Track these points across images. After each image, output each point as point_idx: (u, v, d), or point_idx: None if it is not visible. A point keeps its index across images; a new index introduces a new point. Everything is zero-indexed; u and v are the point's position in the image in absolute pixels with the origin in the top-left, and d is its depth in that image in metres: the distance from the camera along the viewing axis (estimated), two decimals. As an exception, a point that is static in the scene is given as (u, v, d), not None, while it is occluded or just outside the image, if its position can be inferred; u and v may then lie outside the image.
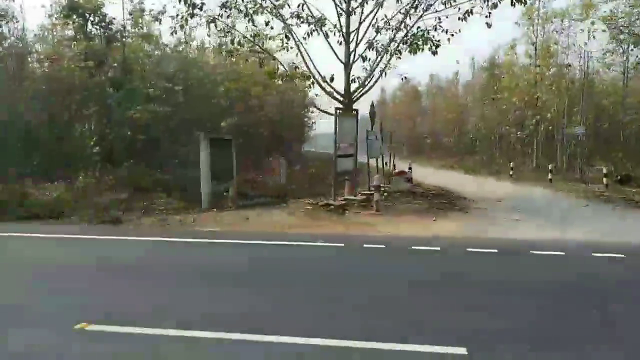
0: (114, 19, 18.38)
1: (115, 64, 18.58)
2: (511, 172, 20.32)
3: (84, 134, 17.75)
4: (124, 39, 18.94)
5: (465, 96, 34.37)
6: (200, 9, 11.58)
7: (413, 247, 7.36)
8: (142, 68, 19.94)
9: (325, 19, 13.15)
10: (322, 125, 37.29)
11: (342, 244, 7.63)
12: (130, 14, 20.07)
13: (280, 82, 26.89)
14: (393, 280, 5.75)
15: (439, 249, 7.29)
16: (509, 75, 25.32)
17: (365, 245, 7.53)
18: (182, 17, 11.82)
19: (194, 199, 12.96)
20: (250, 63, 24.11)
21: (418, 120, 38.46)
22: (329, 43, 12.56)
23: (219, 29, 12.55)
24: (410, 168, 15.23)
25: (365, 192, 12.68)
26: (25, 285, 5.60)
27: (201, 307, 4.67)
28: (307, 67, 12.35)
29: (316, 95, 33.77)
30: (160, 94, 20.90)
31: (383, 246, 7.44)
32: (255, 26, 12.55)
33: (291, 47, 13.56)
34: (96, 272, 6.17)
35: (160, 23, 20.18)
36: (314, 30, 13.13)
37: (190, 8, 11.45)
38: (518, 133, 25.75)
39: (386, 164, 17.23)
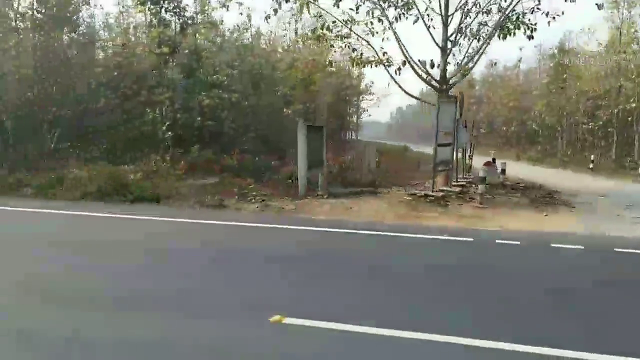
0: (187, 5, 18.40)
1: (187, 51, 18.66)
2: (591, 165, 19.32)
3: (155, 119, 17.99)
4: (195, 26, 18.97)
5: (528, 84, 32.88)
6: (296, -8, 11.29)
7: (552, 245, 6.92)
8: (208, 55, 19.97)
9: (413, 2, 12.65)
10: (370, 113, 36.93)
11: (471, 239, 7.25)
12: (195, 1, 20.07)
13: (332, 69, 26.53)
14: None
15: (582, 247, 6.81)
16: (584, 62, 23.95)
17: (497, 241, 7.14)
18: (277, 1, 11.57)
19: (275, 185, 12.98)
20: (311, 50, 23.98)
21: (473, 108, 37.20)
22: (426, 26, 12.08)
23: (311, 13, 12.21)
24: (494, 159, 14.61)
25: (456, 184, 12.23)
26: (198, 272, 5.48)
27: (397, 305, 4.42)
28: (403, 51, 11.90)
29: (372, 82, 33.09)
30: (225, 80, 21.09)
31: (517, 243, 7.02)
32: (352, 9, 12.14)
33: (376, 32, 13.14)
34: (257, 260, 6.02)
35: (227, 10, 20.33)
36: (401, 14, 12.67)
37: (286, -10, 11.17)
38: (590, 124, 24.44)
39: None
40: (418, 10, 12.07)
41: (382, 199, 10.80)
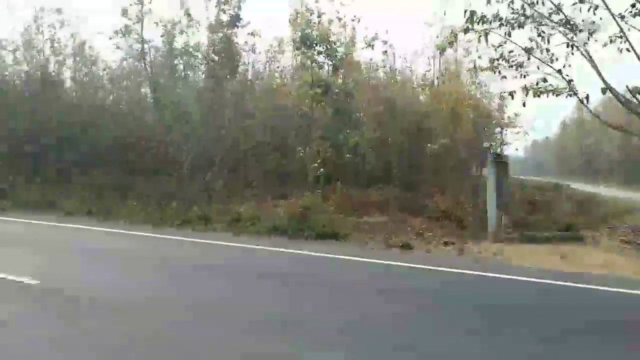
0: (338, 47, 18.96)
1: (337, 90, 19.15)
2: None
3: (305, 156, 18.56)
4: (344, 66, 19.47)
5: None
6: (480, 22, 10.71)
7: None
8: (355, 93, 20.29)
9: (594, 27, 11.32)
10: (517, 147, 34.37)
11: None
12: (335, 43, 20.45)
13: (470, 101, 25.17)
14: None
15: None
16: None
17: None
18: (453, 34, 11.12)
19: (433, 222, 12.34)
20: (454, 83, 23.14)
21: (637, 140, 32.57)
22: (634, 51, 10.61)
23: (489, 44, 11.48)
24: None
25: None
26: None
27: None
28: (601, 78, 10.55)
29: (516, 114, 31.08)
30: (364, 118, 21.25)
31: None
32: (539, 38, 11.22)
33: (555, 59, 11.94)
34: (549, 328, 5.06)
35: (372, 49, 20.52)
36: (588, 37, 11.38)
37: (469, 22, 10.66)
38: None
39: None
40: (623, 31, 10.66)
41: (591, 245, 9.35)
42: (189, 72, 20.00)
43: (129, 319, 4.85)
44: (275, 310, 5.21)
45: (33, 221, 12.46)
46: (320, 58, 18.98)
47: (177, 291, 5.99)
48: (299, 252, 8.84)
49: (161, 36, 17.53)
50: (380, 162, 22.40)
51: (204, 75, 18.23)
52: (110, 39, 16.44)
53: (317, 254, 8.60)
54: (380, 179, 21.22)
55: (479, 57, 11.53)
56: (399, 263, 7.87)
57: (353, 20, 18.55)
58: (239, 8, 16.33)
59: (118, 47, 17.12)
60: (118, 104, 25.03)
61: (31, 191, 16.64)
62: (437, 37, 22.36)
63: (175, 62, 18.57)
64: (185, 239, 10.13)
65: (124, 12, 15.49)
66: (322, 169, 17.68)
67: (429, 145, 21.70)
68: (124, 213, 13.68)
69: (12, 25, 25.70)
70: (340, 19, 18.37)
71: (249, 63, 22.54)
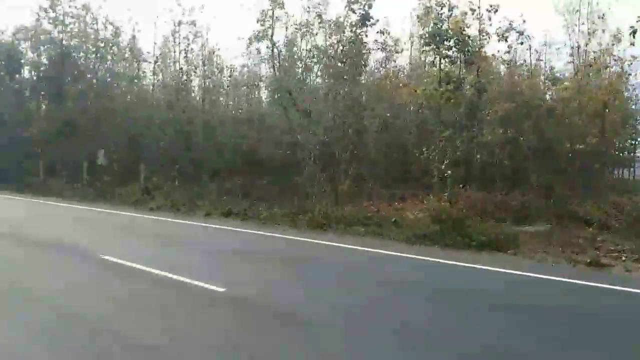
0: (471, 41, 17.68)
1: (469, 86, 17.91)
2: None
3: (430, 155, 17.59)
4: (477, 60, 18.11)
5: None
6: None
7: None
8: (487, 89, 18.80)
9: None
10: None
11: None
12: (468, 36, 19.05)
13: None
14: None
15: None
16: None
17: None
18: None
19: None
20: (605, 74, 20.47)
21: None
22: None
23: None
24: None
25: None
26: None
27: None
28: None
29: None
30: (501, 116, 19.62)
31: None
32: None
33: None
34: None
35: (506, 41, 18.87)
36: None
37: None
38: None
39: None
40: None
41: None
42: (312, 74, 20.06)
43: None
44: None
45: (180, 220, 13.20)
46: (451, 53, 17.87)
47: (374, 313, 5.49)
48: (471, 265, 7.99)
49: (290, 39, 17.70)
50: (512, 163, 20.60)
51: (327, 76, 18.06)
52: (250, 44, 16.84)
53: (500, 270, 7.61)
54: (511, 179, 19.55)
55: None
56: (609, 286, 6.66)
57: (489, 10, 17.11)
58: (370, 7, 15.84)
59: (258, 51, 17.59)
60: (238, 108, 26.08)
61: (173, 192, 17.73)
62: (583, 23, 20.08)
63: (302, 63, 18.69)
64: (335, 245, 9.84)
65: (261, 18, 15.80)
66: (449, 171, 16.59)
67: (568, 145, 19.53)
68: (261, 215, 13.83)
69: (153, 39, 27.99)
70: (473, 11, 17.08)
71: (366, 63, 22.10)
